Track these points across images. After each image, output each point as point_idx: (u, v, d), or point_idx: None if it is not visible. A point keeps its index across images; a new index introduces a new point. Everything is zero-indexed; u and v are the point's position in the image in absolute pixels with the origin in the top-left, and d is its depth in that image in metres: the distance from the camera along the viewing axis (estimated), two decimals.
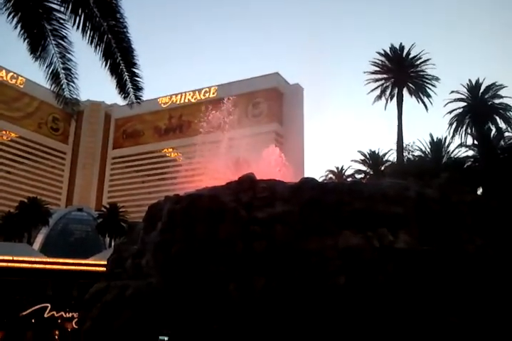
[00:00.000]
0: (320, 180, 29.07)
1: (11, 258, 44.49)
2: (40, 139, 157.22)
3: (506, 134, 37.35)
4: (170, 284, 17.45)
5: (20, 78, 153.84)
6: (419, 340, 15.20)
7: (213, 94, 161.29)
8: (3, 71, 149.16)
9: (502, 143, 35.23)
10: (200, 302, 16.83)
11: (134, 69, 11.02)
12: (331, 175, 46.39)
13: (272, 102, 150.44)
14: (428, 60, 45.23)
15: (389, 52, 46.09)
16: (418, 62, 45.59)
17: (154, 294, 17.48)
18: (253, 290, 16.60)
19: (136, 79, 11.09)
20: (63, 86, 10.97)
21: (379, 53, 46.39)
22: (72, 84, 10.97)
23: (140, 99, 11.27)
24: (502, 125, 39.01)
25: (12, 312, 37.51)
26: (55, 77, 10.89)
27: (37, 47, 10.56)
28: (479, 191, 30.41)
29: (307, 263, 16.57)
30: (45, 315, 37.90)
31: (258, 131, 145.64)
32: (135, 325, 17.10)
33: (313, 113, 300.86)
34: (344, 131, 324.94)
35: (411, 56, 45.59)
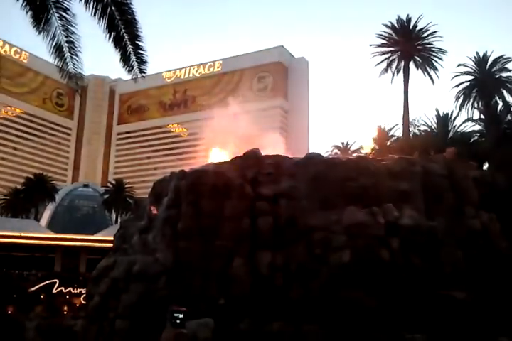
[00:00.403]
0: (325, 155, 28.98)
1: (18, 234, 44.92)
2: (45, 115, 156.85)
3: None
4: (177, 259, 17.57)
5: (24, 53, 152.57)
6: (422, 315, 15.32)
7: (218, 68, 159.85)
8: (7, 45, 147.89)
9: (509, 117, 34.88)
10: (207, 277, 16.97)
11: (138, 42, 10.83)
12: (336, 151, 46.32)
13: (277, 76, 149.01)
14: (435, 32, 44.49)
15: (395, 24, 45.36)
16: (425, 35, 44.86)
17: (161, 269, 17.61)
18: (259, 265, 16.72)
19: (141, 52, 10.90)
20: (67, 60, 10.82)
21: (385, 26, 45.65)
22: (75, 57, 10.81)
23: (145, 72, 11.10)
24: (509, 99, 38.61)
25: (21, 287, 38.04)
26: (58, 50, 10.73)
27: (40, 20, 10.39)
28: (485, 166, 30.28)
29: (312, 239, 16.63)
30: (54, 291, 38.44)
31: (263, 105, 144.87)
32: (144, 299, 17.28)
33: (319, 87, 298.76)
34: (350, 106, 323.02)
35: (418, 28, 44.83)
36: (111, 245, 24.71)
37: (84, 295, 30.86)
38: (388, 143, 42.88)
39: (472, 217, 17.92)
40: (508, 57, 40.14)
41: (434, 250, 16.53)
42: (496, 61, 40.26)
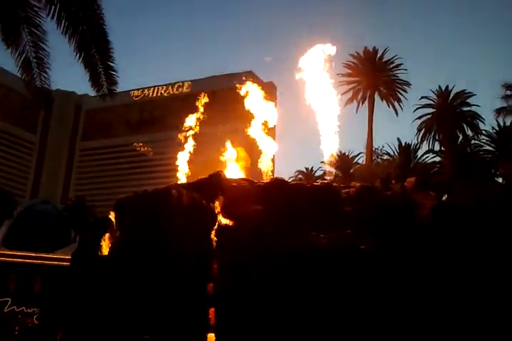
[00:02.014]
0: (289, 180, 29.26)
1: None
2: (7, 128, 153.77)
3: (473, 142, 38.20)
4: (137, 282, 17.35)
5: None
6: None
7: (187, 88, 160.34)
8: None
9: (468, 150, 35.99)
10: (167, 300, 16.81)
11: (109, 63, 10.76)
12: (300, 176, 46.74)
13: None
14: (401, 64, 45.99)
15: (362, 54, 46.65)
16: (391, 67, 46.24)
17: (121, 291, 17.37)
18: (220, 288, 16.65)
19: (111, 72, 10.84)
20: (35, 75, 10.73)
21: (352, 55, 46.90)
22: (44, 74, 10.72)
23: (114, 92, 11.06)
24: (469, 132, 39.87)
25: None
26: (26, 65, 10.64)
27: (9, 35, 10.33)
28: (444, 197, 31.01)
29: (273, 263, 16.69)
30: (5, 310, 37.23)
31: (230, 128, 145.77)
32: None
33: (285, 112, 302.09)
34: (315, 132, 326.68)
35: (384, 60, 46.22)
36: (68, 264, 24.20)
37: (36, 315, 30.01)
38: (351, 171, 43.57)
39: (427, 246, 18.28)
40: (469, 92, 41.65)
41: (390, 277, 16.79)
42: (457, 95, 41.66)
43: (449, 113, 40.21)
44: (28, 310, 36.82)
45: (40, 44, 10.48)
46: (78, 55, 10.60)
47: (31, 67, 10.66)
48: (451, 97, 41.50)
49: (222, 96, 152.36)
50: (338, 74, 46.96)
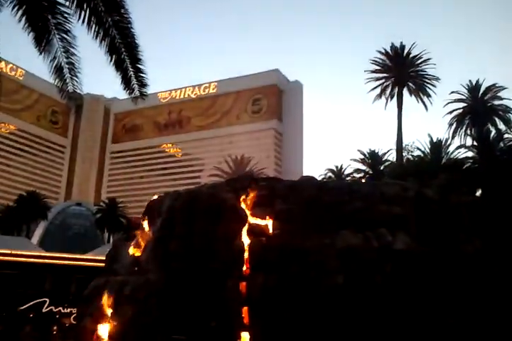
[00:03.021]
0: (319, 178, 29.14)
1: (9, 251, 44.52)
2: (39, 132, 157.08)
3: (506, 136, 37.45)
4: (168, 281, 17.50)
5: (19, 70, 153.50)
6: (415, 339, 15.29)
7: (213, 89, 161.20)
8: (3, 62, 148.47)
9: (501, 144, 35.29)
10: (198, 299, 16.89)
11: (139, 65, 11.06)
12: (330, 174, 46.51)
13: (272, 99, 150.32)
14: (429, 59, 45.39)
15: (389, 51, 46.19)
16: (419, 62, 45.68)
17: (152, 290, 17.53)
18: (251, 288, 16.67)
19: (141, 75, 11.13)
20: (67, 80, 11.03)
21: (380, 52, 46.54)
22: (75, 78, 11.06)
23: (145, 95, 11.34)
24: (501, 126, 39.17)
25: (10, 306, 37.57)
26: (58, 71, 10.95)
27: (41, 41, 10.61)
28: (478, 192, 30.51)
29: (305, 262, 16.62)
30: (43, 310, 37.98)
31: (257, 127, 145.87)
32: (134, 320, 17.17)
33: (313, 110, 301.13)
34: (344, 130, 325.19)
35: (412, 55, 45.71)
36: (102, 264, 24.56)
37: (74, 315, 30.52)
38: (382, 168, 43.16)
39: (465, 242, 17.98)
40: (501, 86, 40.94)
41: (427, 276, 16.55)
42: (488, 89, 40.98)
43: (480, 107, 39.54)
44: (66, 310, 37.52)
45: (71, 49, 10.78)
46: (109, 58, 10.87)
47: (63, 73, 10.95)
48: (482, 91, 40.83)
49: (249, 95, 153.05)
50: (365, 71, 46.75)
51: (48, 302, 38.40)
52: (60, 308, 38.09)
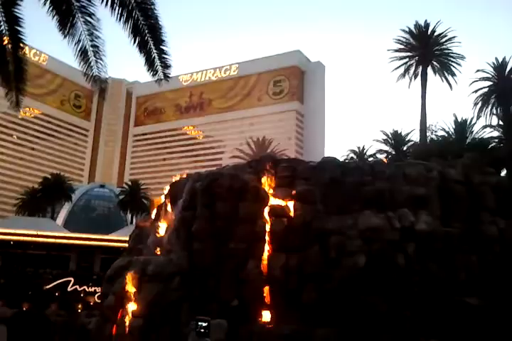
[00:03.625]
0: (341, 159, 28.94)
1: (35, 232, 45.45)
2: (63, 116, 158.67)
3: None
4: (191, 260, 17.66)
5: (43, 55, 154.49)
6: (437, 321, 15.24)
7: (234, 71, 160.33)
8: (26, 47, 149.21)
9: None
10: (220, 279, 17.04)
11: (163, 47, 11.00)
12: (352, 155, 46.21)
13: (293, 80, 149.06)
14: (453, 37, 44.40)
15: (413, 29, 45.30)
16: (443, 40, 44.73)
17: (176, 270, 17.71)
18: (272, 268, 16.75)
19: (165, 56, 11.07)
20: (91, 63, 11.04)
21: (403, 31, 45.66)
22: (100, 61, 11.06)
23: (169, 76, 11.28)
24: None
25: (37, 285, 38.47)
26: (83, 54, 10.96)
27: (65, 24, 10.62)
28: (503, 172, 30.03)
29: (326, 242, 16.62)
30: (68, 289, 38.82)
31: (279, 109, 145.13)
32: (158, 299, 17.41)
33: (335, 91, 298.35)
34: (367, 111, 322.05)
35: (436, 33, 44.75)
36: (126, 245, 24.90)
37: (98, 294, 31.14)
38: (405, 148, 42.70)
39: (489, 223, 17.77)
40: None
41: (450, 256, 16.42)
42: None
43: (506, 85, 38.65)
44: (90, 289, 38.32)
45: (95, 32, 10.78)
46: (133, 40, 10.83)
47: (88, 56, 10.95)
48: (508, 69, 39.85)
49: (270, 77, 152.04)
50: (389, 50, 45.99)
51: (72, 282, 39.20)
52: (85, 287, 38.88)
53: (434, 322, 15.22)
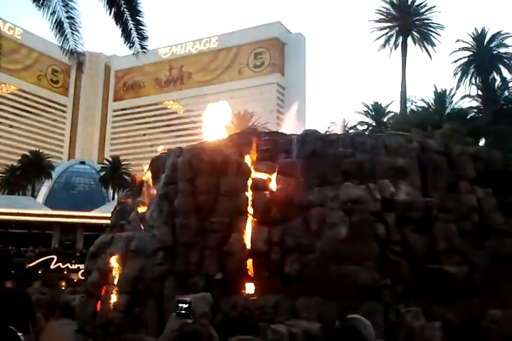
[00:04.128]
0: (322, 131, 28.87)
1: (15, 211, 45.05)
2: (40, 92, 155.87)
3: (511, 84, 36.88)
4: (174, 235, 17.69)
5: (17, 29, 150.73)
6: (416, 289, 15.54)
7: (214, 44, 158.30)
8: (0, 21, 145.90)
9: (506, 93, 34.83)
10: (204, 253, 17.12)
11: (139, 18, 10.74)
12: (333, 127, 46.21)
13: (274, 52, 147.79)
14: (433, 7, 44.30)
15: None
16: (423, 10, 44.57)
17: (159, 245, 17.75)
18: (255, 241, 16.86)
19: (142, 28, 10.81)
20: (67, 36, 10.72)
21: (384, 1, 45.33)
22: (76, 33, 10.74)
23: (146, 48, 11.04)
24: (507, 75, 38.48)
25: (19, 263, 38.36)
26: (59, 26, 10.63)
27: None
28: (482, 142, 30.34)
29: (309, 214, 16.72)
30: (52, 267, 38.77)
31: (260, 82, 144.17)
32: (141, 274, 17.48)
33: (316, 63, 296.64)
34: (348, 82, 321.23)
35: (416, 3, 44.54)
36: (108, 221, 24.86)
37: (82, 271, 31.18)
38: (385, 120, 42.86)
39: (467, 192, 18.01)
40: (507, 33, 39.93)
41: (429, 225, 16.66)
42: (494, 37, 40.02)
43: (485, 55, 38.72)
44: (73, 267, 38.33)
45: (71, 3, 10.45)
46: (109, 11, 10.52)
47: (63, 28, 10.63)
48: (487, 39, 39.88)
49: (250, 49, 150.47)
50: (369, 20, 45.68)
51: (55, 259, 39.16)
52: (68, 265, 38.88)
53: (414, 291, 15.52)
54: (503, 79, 37.58)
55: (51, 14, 10.42)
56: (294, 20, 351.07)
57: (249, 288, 16.77)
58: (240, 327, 14.70)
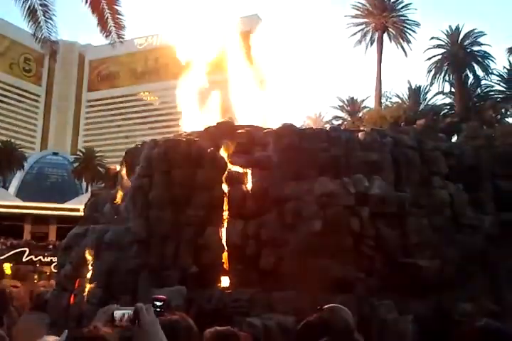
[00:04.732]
0: (298, 125, 29.04)
1: None
2: (12, 81, 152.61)
3: (483, 82, 37.55)
4: (148, 228, 17.63)
5: None
6: (389, 283, 15.79)
7: None
8: None
9: (479, 90, 35.43)
10: (179, 246, 17.11)
11: (116, 7, 10.61)
12: (309, 122, 46.48)
13: (248, 45, 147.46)
14: (409, 4, 44.80)
15: None
16: (399, 7, 44.99)
17: (133, 238, 17.68)
18: (231, 234, 16.91)
19: (119, 16, 10.70)
20: (41, 23, 10.52)
21: None
22: (50, 21, 10.55)
23: (123, 37, 10.93)
24: (480, 73, 39.14)
25: None
26: (31, 14, 10.42)
27: None
28: (454, 138, 30.85)
29: (283, 208, 16.83)
30: (24, 259, 38.26)
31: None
32: (115, 267, 17.40)
33: (292, 57, 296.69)
34: (323, 77, 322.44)
35: (392, 0, 44.94)
36: (81, 214, 24.61)
37: (54, 264, 30.86)
38: (360, 115, 43.25)
39: (440, 187, 18.35)
40: (480, 32, 40.66)
41: (402, 219, 16.95)
42: (468, 35, 40.68)
43: (459, 53, 39.31)
44: (46, 259, 37.86)
45: None
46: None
47: (37, 15, 10.42)
48: (461, 37, 40.48)
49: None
50: (345, 16, 45.93)
51: (27, 252, 38.66)
52: (41, 257, 38.41)
53: (387, 284, 15.78)
54: (476, 77, 38.23)
55: (24, 1, 10.23)
56: (270, 11, 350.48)
57: (225, 281, 16.83)
58: (215, 320, 14.72)
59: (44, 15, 10.47)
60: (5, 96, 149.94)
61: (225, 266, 16.85)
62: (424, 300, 15.42)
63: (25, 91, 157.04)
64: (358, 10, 45.49)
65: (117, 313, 2.23)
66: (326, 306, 4.00)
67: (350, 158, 18.16)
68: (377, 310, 14.98)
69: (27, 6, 10.30)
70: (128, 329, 2.24)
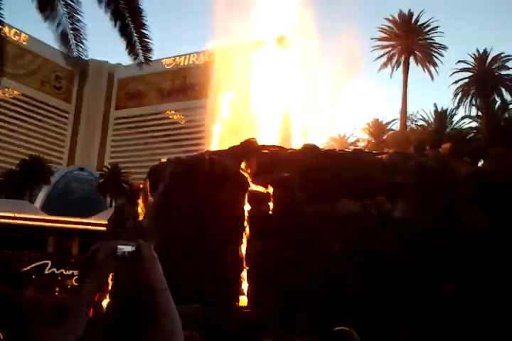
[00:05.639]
0: (322, 146, 29.08)
1: (12, 214, 44.97)
2: (42, 97, 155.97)
3: (511, 106, 37.16)
4: (170, 245, 17.71)
5: (23, 35, 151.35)
6: (409, 308, 15.54)
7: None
8: (6, 27, 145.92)
9: (506, 114, 35.07)
10: (199, 264, 17.13)
11: (144, 31, 10.91)
12: (332, 143, 46.44)
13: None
14: (437, 27, 44.76)
15: (397, 18, 45.43)
16: (426, 30, 45.01)
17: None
18: (250, 254, 16.89)
19: (146, 40, 10.99)
20: (72, 46, 10.89)
21: (387, 19, 45.80)
22: (80, 44, 10.90)
23: (149, 60, 11.23)
24: (507, 97, 38.84)
25: (13, 267, 38.21)
26: (64, 37, 10.80)
27: (45, 8, 10.46)
28: (480, 163, 30.49)
29: (304, 229, 16.78)
30: (46, 272, 38.63)
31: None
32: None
33: (318, 78, 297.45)
34: (348, 99, 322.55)
35: (419, 23, 44.98)
36: (104, 229, 24.85)
37: (76, 277, 31.09)
38: (384, 137, 43.09)
39: (464, 212, 18.09)
40: (508, 55, 40.39)
41: (425, 243, 16.72)
42: (495, 58, 40.45)
43: (486, 77, 39.09)
44: (68, 272, 38.18)
45: (76, 15, 10.60)
46: (114, 24, 10.71)
47: (68, 39, 10.79)
48: (489, 61, 40.28)
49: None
50: (372, 38, 46.10)
51: (50, 265, 39.04)
52: (62, 270, 38.74)
53: (407, 310, 15.52)
54: (504, 101, 37.91)
55: (57, 26, 10.61)
56: (297, 33, 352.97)
57: (243, 300, 16.77)
58: (232, 340, 14.67)
59: (75, 39, 10.83)
60: (35, 112, 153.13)
61: (244, 285, 16.81)
62: (446, 328, 15.10)
63: (55, 108, 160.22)
64: (384, 33, 45.73)
65: (120, 247, 2.38)
66: (336, 328, 3.99)
67: (373, 180, 18.08)
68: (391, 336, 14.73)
69: (60, 31, 10.68)
70: (130, 262, 2.39)
